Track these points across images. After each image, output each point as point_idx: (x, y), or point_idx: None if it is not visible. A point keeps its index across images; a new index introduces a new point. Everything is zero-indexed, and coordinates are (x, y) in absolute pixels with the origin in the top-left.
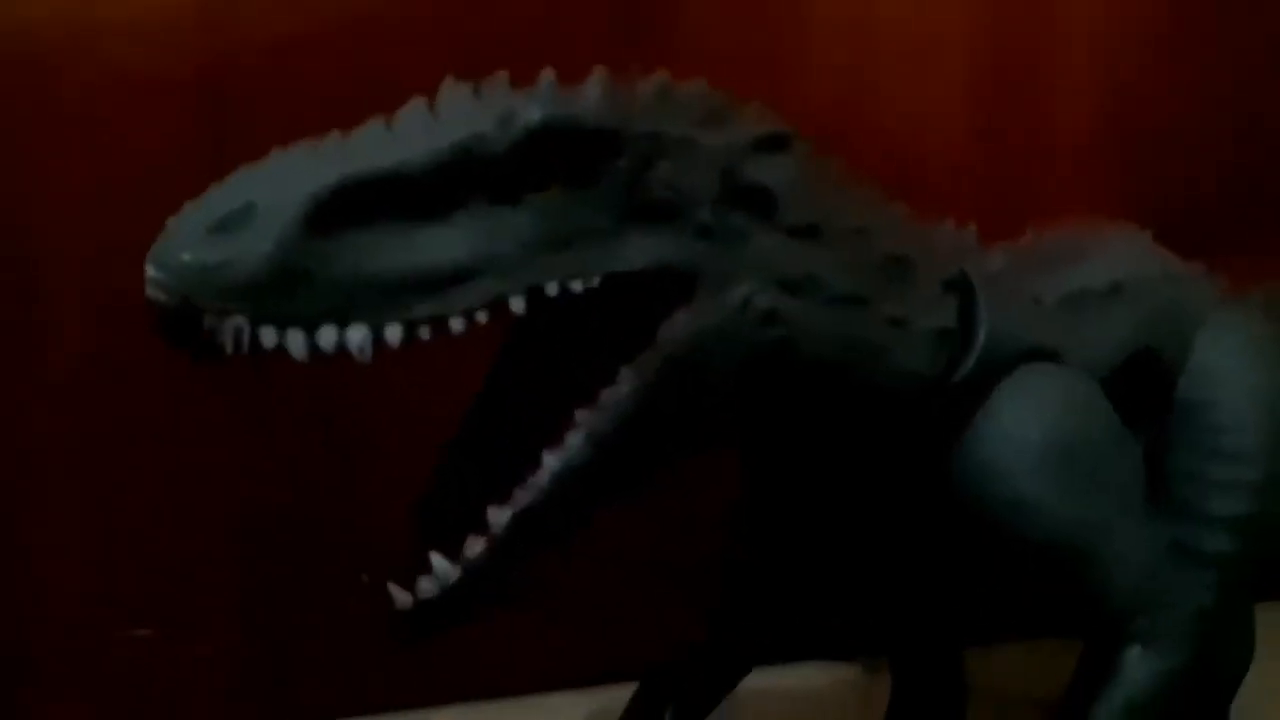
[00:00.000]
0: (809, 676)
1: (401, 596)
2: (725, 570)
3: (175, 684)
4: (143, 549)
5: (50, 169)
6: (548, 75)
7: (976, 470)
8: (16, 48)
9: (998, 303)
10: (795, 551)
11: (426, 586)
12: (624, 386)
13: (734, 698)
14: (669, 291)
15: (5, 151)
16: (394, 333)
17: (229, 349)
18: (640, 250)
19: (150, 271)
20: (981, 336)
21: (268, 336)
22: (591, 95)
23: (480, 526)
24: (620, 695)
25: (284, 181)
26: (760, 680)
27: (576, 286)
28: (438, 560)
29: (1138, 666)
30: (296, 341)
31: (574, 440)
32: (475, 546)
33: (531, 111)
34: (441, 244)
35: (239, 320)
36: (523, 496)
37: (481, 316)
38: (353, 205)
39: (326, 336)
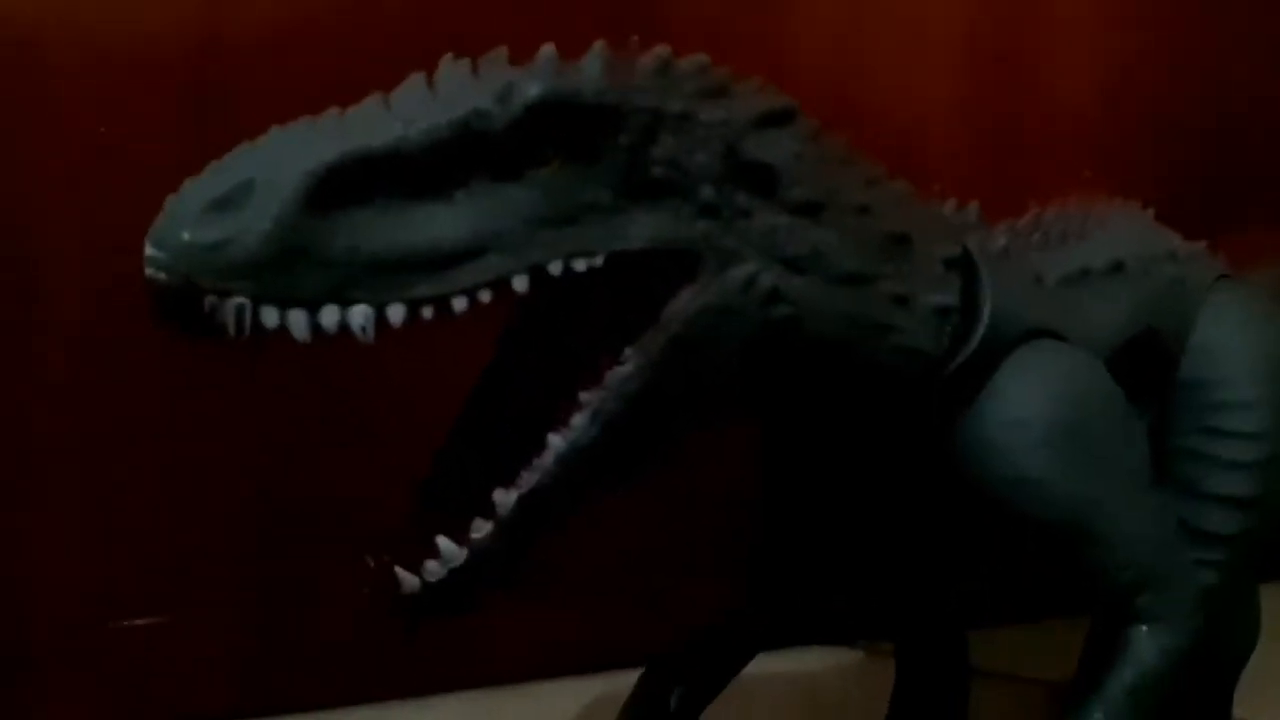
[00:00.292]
0: (811, 661)
1: (408, 580)
2: (748, 550)
3: (174, 678)
4: (142, 543)
5: (41, 160)
6: (547, 50)
7: (980, 448)
8: (5, 35)
9: (1001, 281)
10: (802, 530)
11: (433, 569)
12: (628, 366)
13: (738, 682)
14: (671, 270)
15: None
16: (396, 312)
17: (230, 329)
18: (643, 228)
19: (149, 251)
20: (985, 315)
21: (269, 316)
22: (591, 70)
23: (486, 509)
24: (624, 681)
25: (283, 158)
26: (763, 665)
27: (580, 265)
28: (444, 543)
29: (1143, 645)
30: (299, 321)
31: (579, 421)
32: (481, 529)
33: (530, 86)
34: (443, 222)
35: (240, 300)
36: (528, 479)
37: (484, 296)
38: (352, 183)
39: (329, 316)
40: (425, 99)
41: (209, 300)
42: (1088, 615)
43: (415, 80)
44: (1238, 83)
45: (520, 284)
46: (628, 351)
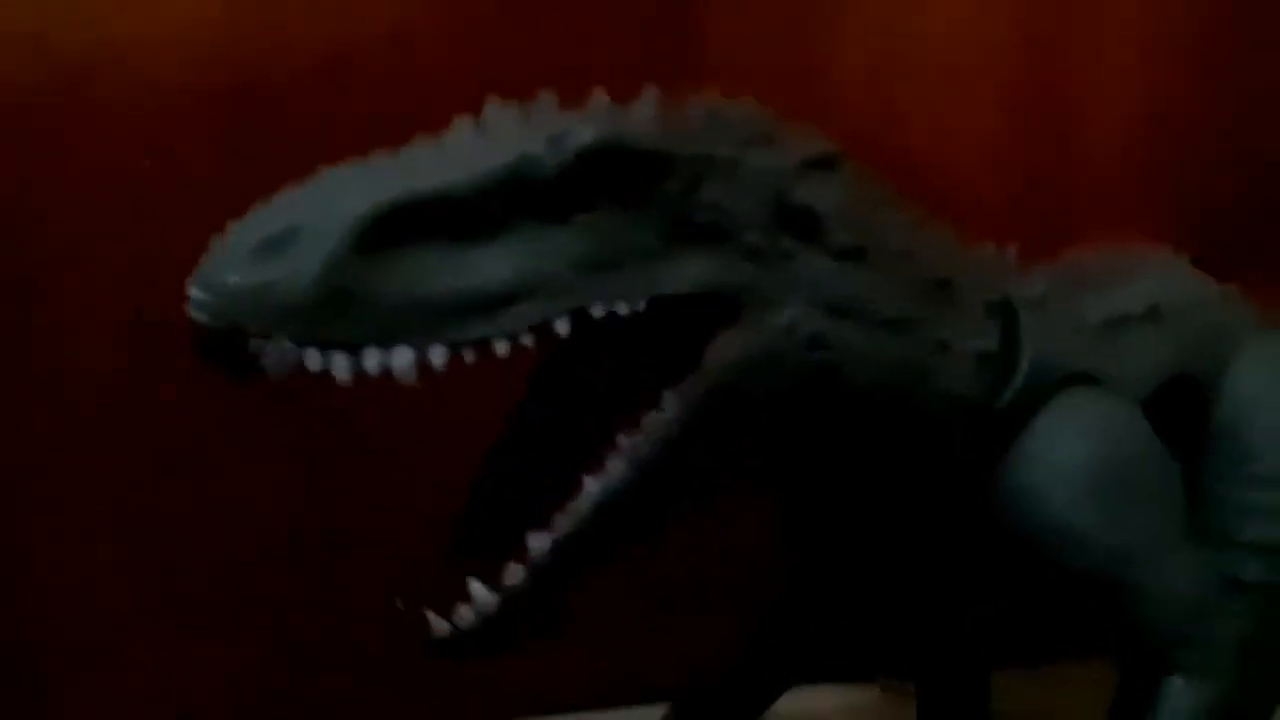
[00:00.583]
0: (831, 699)
1: (439, 624)
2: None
3: (178, 690)
4: (150, 553)
5: (81, 182)
6: (600, 95)
7: (1019, 495)
8: (57, 72)
9: (1040, 326)
10: (834, 570)
11: (466, 615)
12: (667, 410)
13: None
14: (713, 314)
15: (36, 164)
16: (438, 355)
17: (272, 371)
18: (687, 272)
19: (194, 293)
20: (1025, 361)
21: (312, 359)
22: (644, 116)
23: (519, 552)
24: (633, 716)
25: (330, 202)
26: (786, 703)
27: (622, 309)
28: (477, 588)
29: (1180, 697)
30: (341, 364)
31: (616, 465)
32: (515, 575)
33: (585, 132)
34: (488, 265)
35: (284, 343)
36: (563, 522)
37: (527, 340)
38: (400, 227)
39: (371, 359)
40: (476, 143)
41: (253, 344)
42: (1108, 658)
43: (464, 123)
44: (1277, 123)
45: (562, 327)
46: (667, 395)
